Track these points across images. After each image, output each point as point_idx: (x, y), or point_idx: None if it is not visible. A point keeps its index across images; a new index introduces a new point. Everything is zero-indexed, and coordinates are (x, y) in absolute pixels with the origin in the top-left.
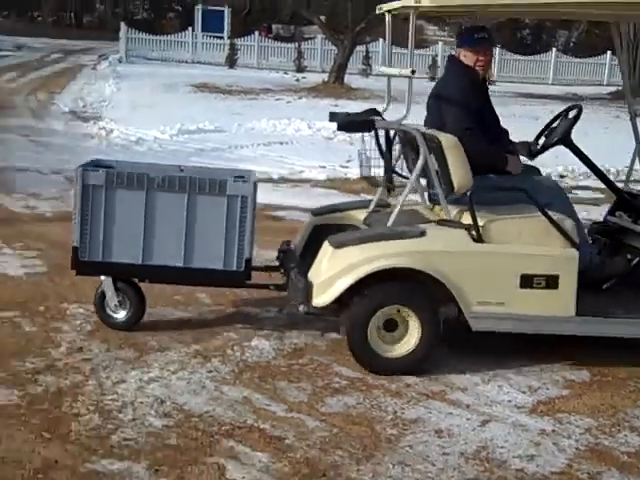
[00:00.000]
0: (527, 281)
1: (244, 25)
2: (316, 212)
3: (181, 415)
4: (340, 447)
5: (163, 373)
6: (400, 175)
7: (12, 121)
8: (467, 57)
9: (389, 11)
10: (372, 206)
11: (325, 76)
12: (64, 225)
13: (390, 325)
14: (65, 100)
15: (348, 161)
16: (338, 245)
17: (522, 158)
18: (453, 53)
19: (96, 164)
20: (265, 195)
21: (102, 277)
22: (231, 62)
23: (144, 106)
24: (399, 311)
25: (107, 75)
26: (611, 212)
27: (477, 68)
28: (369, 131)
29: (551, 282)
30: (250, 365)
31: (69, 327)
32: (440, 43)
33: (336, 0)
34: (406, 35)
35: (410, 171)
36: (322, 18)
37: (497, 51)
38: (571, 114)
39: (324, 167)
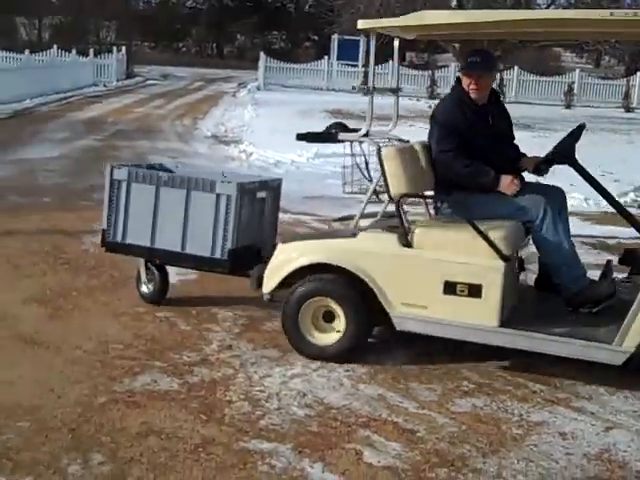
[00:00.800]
0: (450, 288)
1: (380, 53)
2: (336, 220)
3: (321, 407)
4: (467, 442)
5: (305, 370)
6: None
7: (161, 144)
8: (463, 80)
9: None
10: (379, 215)
11: None
12: None
13: (328, 316)
14: (208, 125)
15: None
16: (285, 241)
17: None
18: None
19: (160, 168)
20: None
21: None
22: (365, 89)
23: (281, 131)
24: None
25: (246, 102)
26: None
27: (470, 91)
28: (333, 142)
29: (474, 291)
30: (384, 367)
31: (219, 328)
32: (577, 70)
33: None
34: (542, 61)
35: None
36: (456, 46)
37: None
38: (572, 132)
39: None
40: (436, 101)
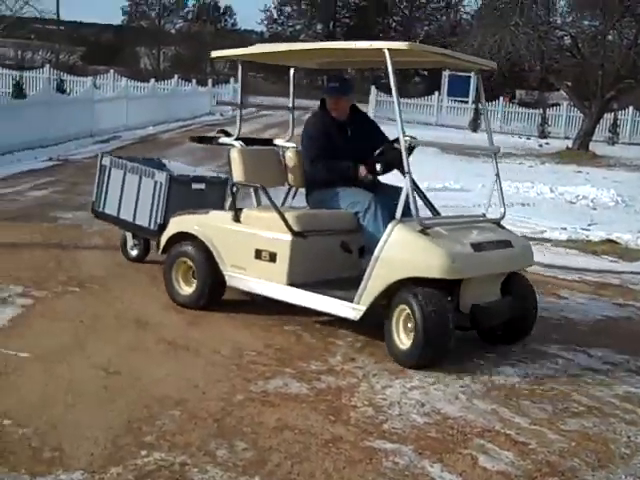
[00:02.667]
0: (258, 254)
1: (489, 91)
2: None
3: (439, 416)
4: (577, 456)
5: (422, 384)
6: None
7: None
8: (328, 102)
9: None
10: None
11: (569, 142)
12: None
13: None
14: None
15: (589, 224)
16: (178, 214)
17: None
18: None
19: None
20: None
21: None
22: (474, 126)
23: None
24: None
25: None
26: None
27: (331, 110)
28: (211, 143)
29: (272, 257)
30: (497, 385)
31: (342, 342)
32: None
33: (586, 67)
34: None
35: None
36: (569, 84)
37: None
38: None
39: (565, 229)
40: (547, 140)
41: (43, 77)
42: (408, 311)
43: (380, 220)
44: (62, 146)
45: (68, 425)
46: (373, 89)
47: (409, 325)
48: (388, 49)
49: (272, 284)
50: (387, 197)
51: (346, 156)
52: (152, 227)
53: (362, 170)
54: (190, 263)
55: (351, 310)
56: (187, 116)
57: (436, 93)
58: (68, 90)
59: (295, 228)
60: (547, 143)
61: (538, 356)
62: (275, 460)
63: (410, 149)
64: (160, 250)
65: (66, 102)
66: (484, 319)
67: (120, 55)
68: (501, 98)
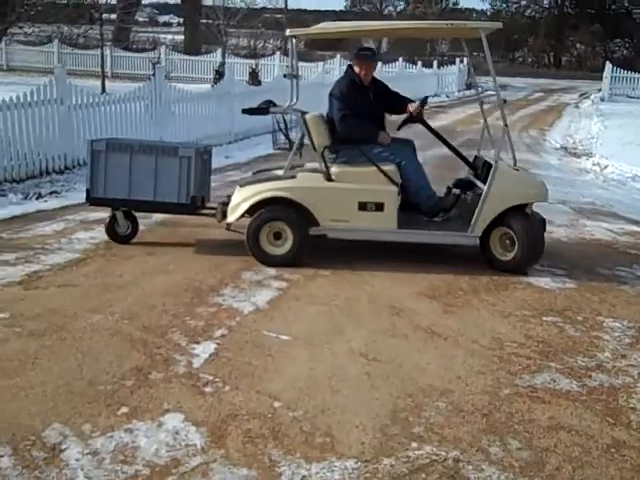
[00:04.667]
0: (363, 206)
1: None
2: (255, 172)
3: None
4: None
5: None
6: (292, 142)
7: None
8: (355, 66)
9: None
10: (287, 166)
11: None
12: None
13: (277, 235)
14: (554, 136)
15: None
16: (242, 185)
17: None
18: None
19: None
20: None
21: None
22: None
23: (635, 143)
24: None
25: (591, 113)
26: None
27: (361, 74)
28: (266, 114)
29: (379, 207)
30: None
31: (608, 337)
32: None
33: None
34: None
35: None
36: None
37: None
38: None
39: None
40: None
41: (274, 65)
42: (509, 232)
43: (415, 167)
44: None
45: (336, 410)
46: (608, 64)
47: (506, 242)
48: (481, 28)
49: (382, 230)
50: (410, 148)
51: (368, 115)
52: (185, 200)
53: (384, 136)
54: (281, 225)
55: (467, 239)
56: (413, 99)
57: None
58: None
59: (395, 180)
60: None
61: None
62: (554, 463)
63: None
64: (231, 220)
65: (300, 87)
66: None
67: (344, 41)
68: None
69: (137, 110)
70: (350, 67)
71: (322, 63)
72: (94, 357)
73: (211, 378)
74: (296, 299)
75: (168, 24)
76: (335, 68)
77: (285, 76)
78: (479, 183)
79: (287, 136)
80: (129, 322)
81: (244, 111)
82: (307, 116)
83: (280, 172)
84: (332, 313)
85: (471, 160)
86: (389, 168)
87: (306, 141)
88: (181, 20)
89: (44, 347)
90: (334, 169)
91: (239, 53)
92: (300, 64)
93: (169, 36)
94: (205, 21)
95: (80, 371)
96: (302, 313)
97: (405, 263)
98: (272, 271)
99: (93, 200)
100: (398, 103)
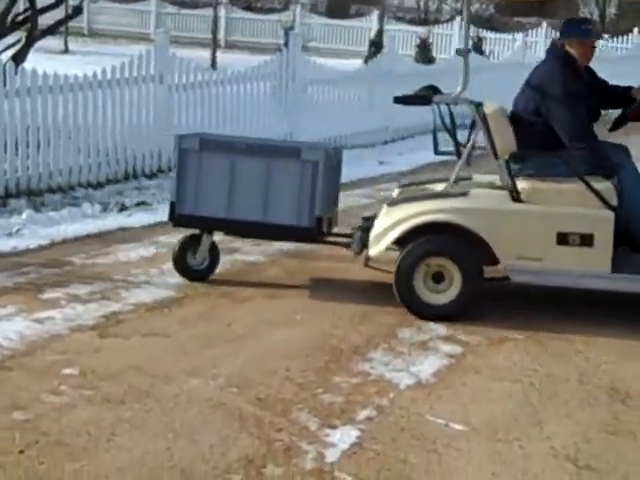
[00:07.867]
0: (562, 238)
1: None
2: (401, 185)
3: None
4: None
5: None
6: (460, 145)
7: None
8: (573, 47)
9: None
10: (452, 179)
11: None
12: None
13: (438, 276)
14: None
15: None
16: (391, 204)
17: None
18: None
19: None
20: None
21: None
22: None
23: None
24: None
25: None
26: None
27: (581, 57)
28: (428, 104)
29: (586, 240)
30: None
31: None
32: None
33: None
34: None
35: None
36: None
37: None
38: None
39: None
40: None
41: (451, 34)
42: None
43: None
44: None
45: None
46: None
47: None
48: None
49: (589, 275)
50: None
51: (589, 112)
52: (307, 223)
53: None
54: (443, 262)
55: None
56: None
57: None
58: (487, 51)
59: (611, 202)
60: None
61: None
62: None
63: None
64: (374, 252)
65: (488, 68)
66: None
67: (550, 4)
68: None
69: (260, 93)
70: (556, 46)
71: (522, 35)
72: (189, 438)
73: (350, 479)
74: (475, 372)
75: None
76: (539, 41)
77: (457, 52)
78: None
79: (453, 136)
80: (238, 391)
81: (397, 100)
82: (487, 109)
83: (439, 187)
84: (526, 395)
85: None
86: (602, 186)
87: (480, 142)
88: None
89: (123, 420)
90: (522, 184)
91: (403, 17)
92: (488, 35)
93: None
94: None
95: (170, 456)
96: (483, 393)
97: (638, 325)
98: (441, 329)
99: (179, 218)
100: (616, 94)
